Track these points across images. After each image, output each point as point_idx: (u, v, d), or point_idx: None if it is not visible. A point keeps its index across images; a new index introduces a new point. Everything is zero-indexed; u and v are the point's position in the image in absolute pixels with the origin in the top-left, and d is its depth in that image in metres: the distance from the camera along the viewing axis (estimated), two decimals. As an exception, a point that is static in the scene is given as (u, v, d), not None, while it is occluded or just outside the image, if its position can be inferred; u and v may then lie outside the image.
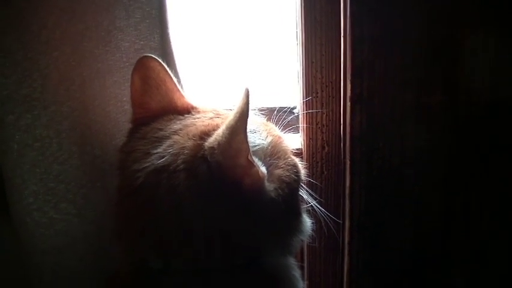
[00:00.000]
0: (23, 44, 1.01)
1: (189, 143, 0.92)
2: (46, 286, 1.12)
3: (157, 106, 1.04)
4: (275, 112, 1.16)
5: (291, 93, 1.27)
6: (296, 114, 1.26)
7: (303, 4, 1.16)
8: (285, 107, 1.25)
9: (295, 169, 0.99)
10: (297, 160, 1.01)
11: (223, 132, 0.86)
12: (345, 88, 1.11)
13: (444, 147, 1.12)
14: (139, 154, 0.96)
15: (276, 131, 1.04)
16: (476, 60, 1.08)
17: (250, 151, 0.86)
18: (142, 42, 1.14)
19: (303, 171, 1.02)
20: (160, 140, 0.96)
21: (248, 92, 0.83)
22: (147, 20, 1.13)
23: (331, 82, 1.18)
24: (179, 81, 1.07)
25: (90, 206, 1.11)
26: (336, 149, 1.19)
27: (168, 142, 0.94)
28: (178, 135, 0.95)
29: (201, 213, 0.90)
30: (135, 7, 1.11)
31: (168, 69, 1.03)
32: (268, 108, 1.25)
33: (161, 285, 0.94)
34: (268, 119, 1.13)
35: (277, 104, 1.27)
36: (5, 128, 1.03)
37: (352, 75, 1.09)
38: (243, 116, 0.83)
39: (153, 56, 1.02)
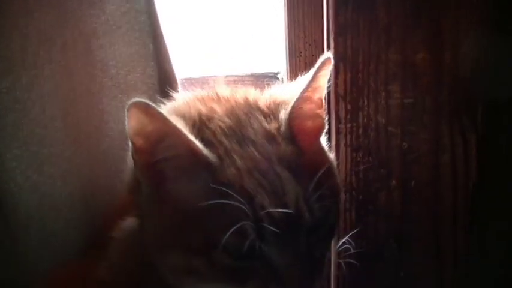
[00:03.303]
0: (1, 3, 0.92)
1: None
2: (33, 251, 1.03)
3: None
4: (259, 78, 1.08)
5: (274, 58, 1.18)
6: (280, 79, 1.18)
7: (284, -38, 1.08)
8: (269, 73, 1.18)
9: None
10: None
11: None
12: (329, 47, 1.03)
13: (429, 104, 1.03)
14: None
15: None
16: (461, 15, 1.00)
17: None
18: (128, 5, 1.06)
19: None
20: None
21: None
22: (132, -19, 1.05)
23: (315, 41, 1.11)
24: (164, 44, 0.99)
25: (75, 169, 1.03)
26: (321, 109, 1.10)
27: None
28: None
29: None
30: (119, -33, 1.03)
31: None
32: (252, 74, 1.18)
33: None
34: (253, 86, 1.05)
35: (261, 69, 1.19)
36: (-15, 91, 0.94)
37: (336, 33, 1.02)
38: None
39: None
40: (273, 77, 1.20)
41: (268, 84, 1.15)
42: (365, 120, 1.05)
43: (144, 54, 1.03)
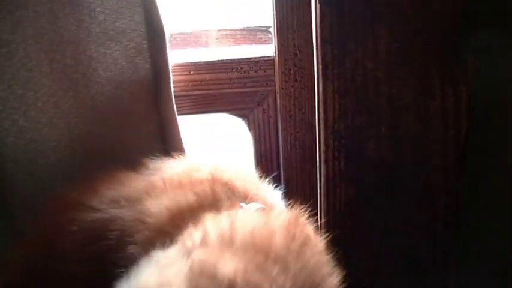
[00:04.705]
0: None
1: None
2: (19, 198, 1.02)
3: None
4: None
5: (266, 12, 1.16)
6: (272, 34, 1.16)
7: None
8: (261, 27, 1.16)
9: None
10: None
11: None
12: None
13: (418, 50, 1.00)
14: None
15: None
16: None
17: None
18: None
19: None
20: None
21: None
22: None
23: (301, -17, 1.08)
24: None
25: (62, 116, 1.01)
26: (309, 55, 1.08)
27: None
28: None
29: None
30: None
31: None
32: (244, 29, 1.16)
33: None
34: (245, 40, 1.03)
35: (252, 24, 1.17)
36: (-30, 33, 0.94)
37: (321, -25, 0.98)
38: None
39: None
40: (265, 31, 1.17)
41: (260, 39, 1.14)
42: (352, 65, 1.02)
43: (132, 1, 1.02)
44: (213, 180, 0.82)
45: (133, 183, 0.85)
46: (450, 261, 1.10)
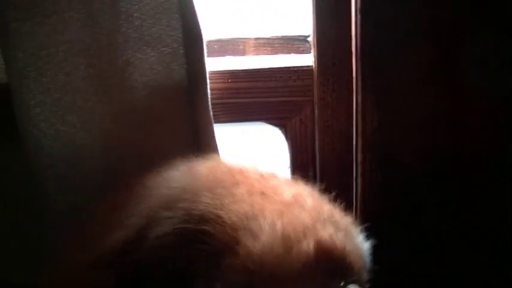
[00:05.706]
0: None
1: None
2: (53, 202, 1.02)
3: None
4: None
5: (304, 22, 1.15)
6: (310, 43, 1.15)
7: None
8: (299, 36, 1.15)
9: None
10: None
11: None
12: (356, 0, 0.99)
13: (456, 60, 0.99)
14: None
15: None
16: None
17: None
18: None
19: None
20: None
21: None
22: None
23: (342, -7, 1.06)
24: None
25: (97, 120, 1.02)
26: (347, 66, 1.07)
27: None
28: None
29: None
30: None
31: None
32: (282, 37, 1.16)
33: None
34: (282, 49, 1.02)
35: (290, 32, 1.16)
36: (10, 36, 0.96)
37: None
38: None
39: None
40: (303, 40, 1.17)
41: (298, 48, 1.13)
42: (391, 76, 1.01)
43: (169, 6, 1.01)
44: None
45: None
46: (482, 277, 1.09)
